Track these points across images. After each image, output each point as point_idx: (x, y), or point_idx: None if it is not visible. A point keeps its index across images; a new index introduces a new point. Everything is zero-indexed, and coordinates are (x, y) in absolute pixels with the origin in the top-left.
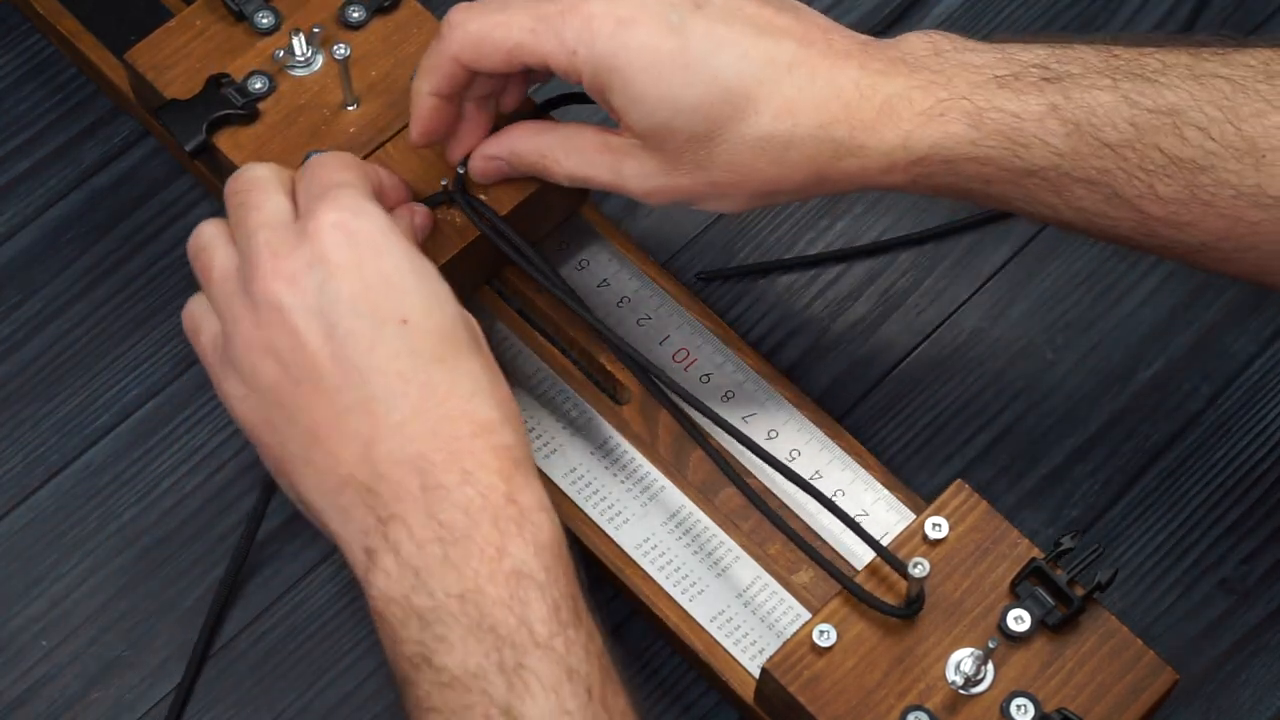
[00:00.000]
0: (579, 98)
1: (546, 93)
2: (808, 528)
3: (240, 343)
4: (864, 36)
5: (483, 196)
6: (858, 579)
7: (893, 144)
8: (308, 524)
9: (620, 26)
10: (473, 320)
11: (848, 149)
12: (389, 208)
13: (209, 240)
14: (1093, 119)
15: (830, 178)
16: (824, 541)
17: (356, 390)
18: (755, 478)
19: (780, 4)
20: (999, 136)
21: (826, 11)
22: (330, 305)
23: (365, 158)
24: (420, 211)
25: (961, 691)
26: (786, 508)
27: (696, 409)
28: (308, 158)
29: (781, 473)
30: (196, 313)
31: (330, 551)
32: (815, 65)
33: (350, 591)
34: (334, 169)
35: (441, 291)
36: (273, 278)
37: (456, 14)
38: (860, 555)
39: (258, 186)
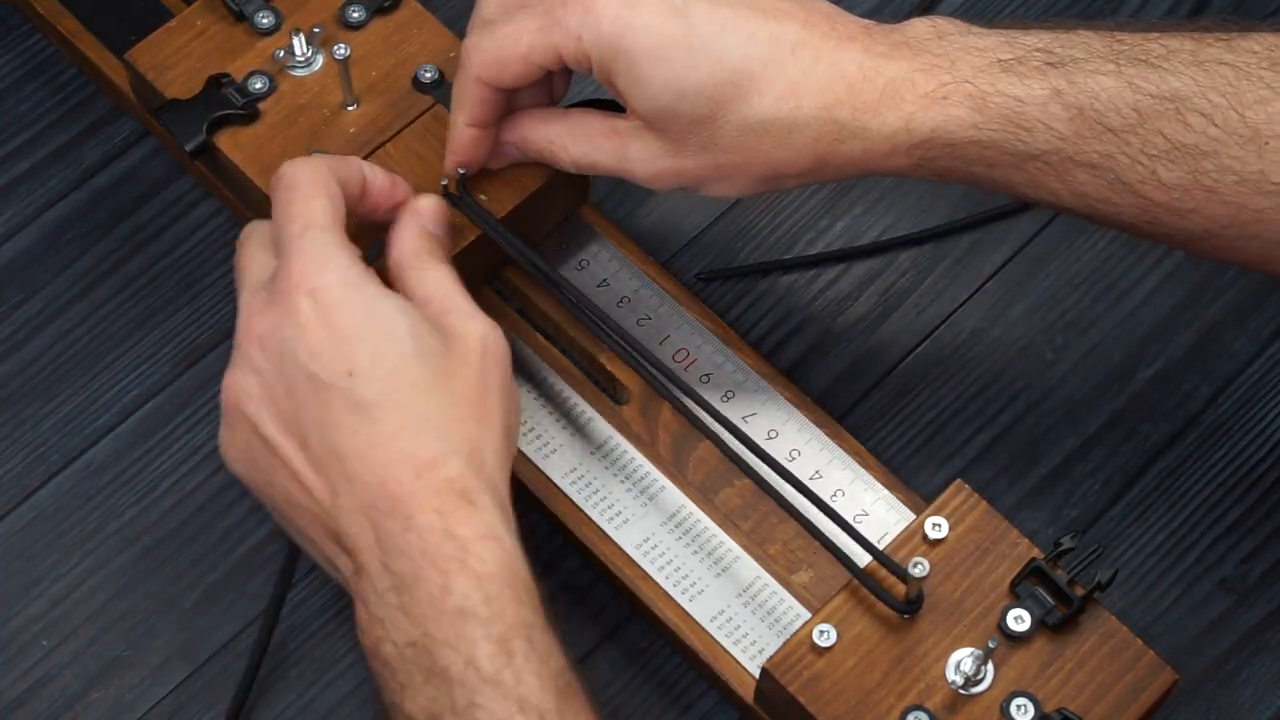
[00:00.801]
0: (601, 105)
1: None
2: (811, 525)
3: (229, 397)
4: (867, 21)
5: (482, 197)
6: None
7: (895, 126)
8: None
9: (624, 9)
10: (462, 337)
11: (850, 131)
12: (378, 208)
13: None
14: (1096, 104)
15: (833, 161)
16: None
17: (318, 446)
18: (755, 473)
19: None
20: (1002, 120)
21: None
22: (290, 366)
23: (365, 158)
24: (427, 210)
25: (961, 691)
26: (789, 505)
27: (698, 404)
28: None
29: (782, 476)
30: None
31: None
32: (819, 47)
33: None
34: (303, 198)
35: (396, 326)
36: (247, 339)
37: (470, 39)
38: (860, 555)
39: (247, 243)
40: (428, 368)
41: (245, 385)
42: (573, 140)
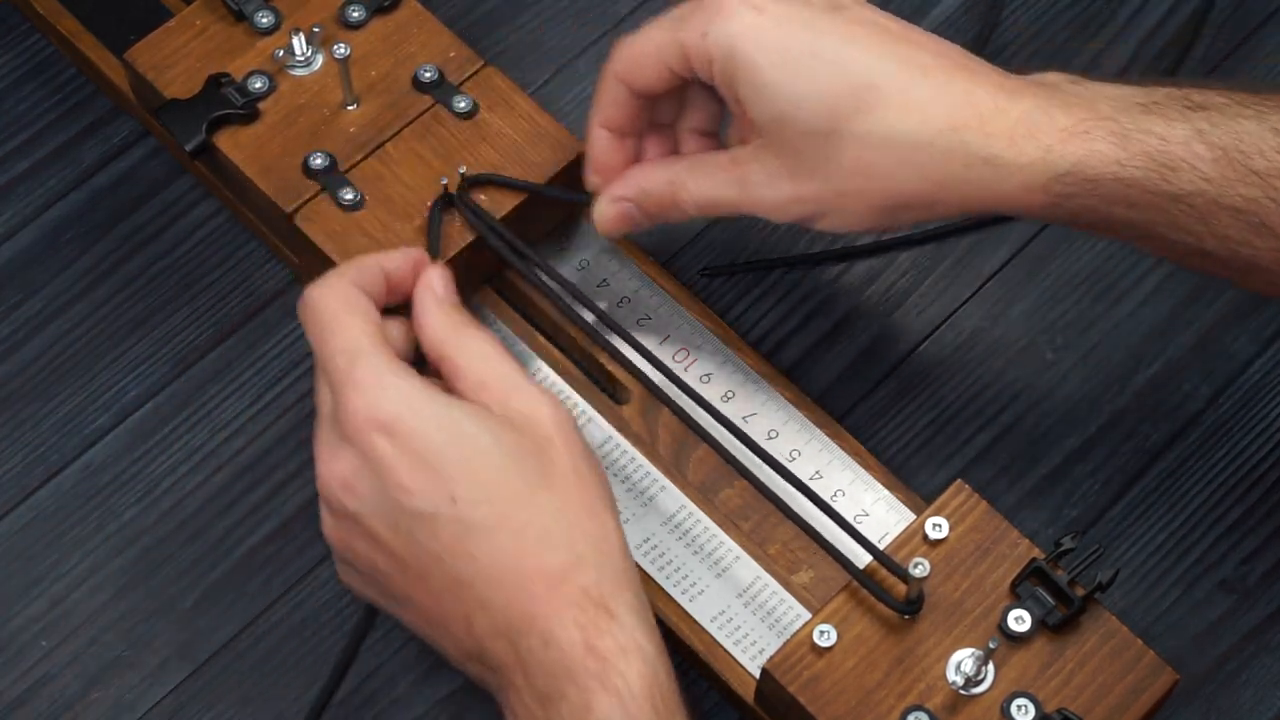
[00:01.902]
0: None
1: None
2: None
3: (334, 540)
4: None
5: (482, 198)
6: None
7: (1032, 158)
8: (308, 524)
9: (752, 11)
10: (537, 423)
11: (980, 157)
12: (406, 292)
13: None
14: (1240, 145)
15: (958, 190)
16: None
17: (439, 575)
18: (756, 478)
19: (918, 28)
20: (1145, 158)
21: None
22: (388, 505)
23: (365, 158)
24: (439, 284)
25: (962, 692)
26: (788, 506)
27: (698, 404)
28: (308, 159)
29: (783, 475)
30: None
31: (330, 551)
32: (951, 73)
33: (349, 593)
34: (337, 326)
35: (485, 445)
36: (331, 482)
37: (617, 41)
38: (860, 555)
39: (321, 376)
40: (524, 473)
41: (345, 530)
42: (693, 177)
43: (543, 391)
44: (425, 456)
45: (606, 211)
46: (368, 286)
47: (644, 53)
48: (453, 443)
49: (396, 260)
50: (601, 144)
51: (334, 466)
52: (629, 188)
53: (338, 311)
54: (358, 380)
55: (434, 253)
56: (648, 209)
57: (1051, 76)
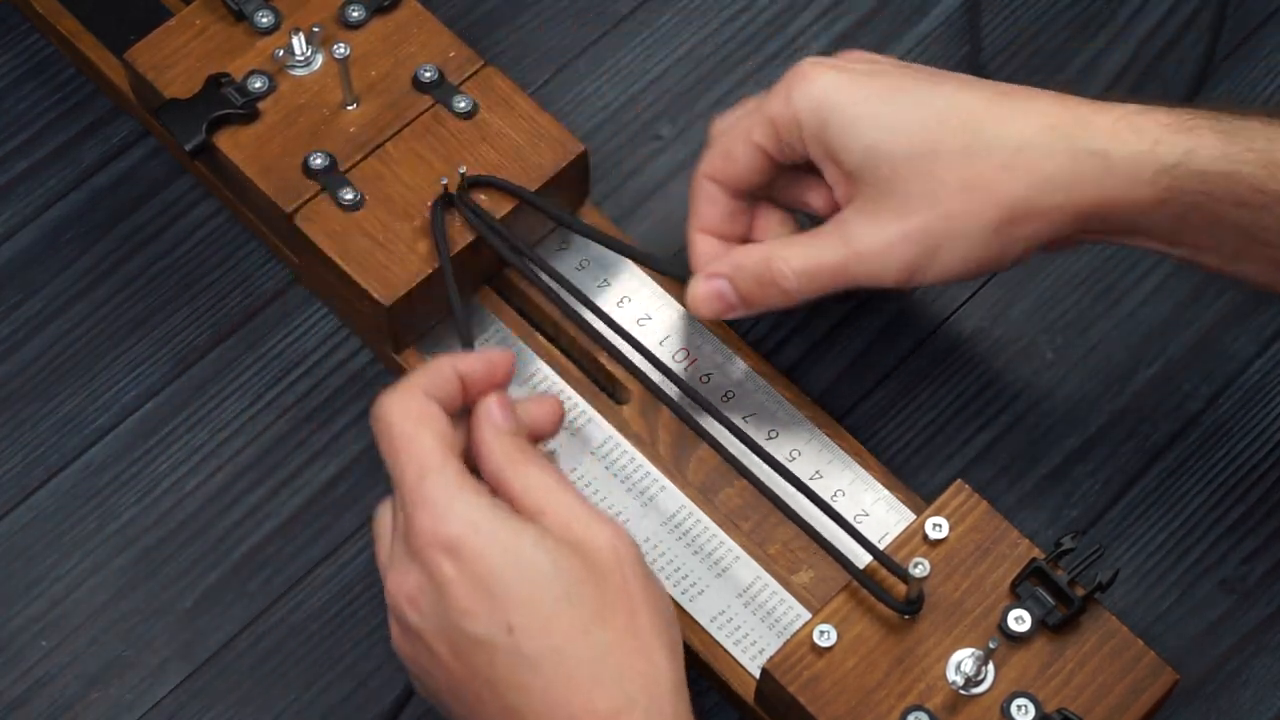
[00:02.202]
0: None
1: None
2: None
3: (402, 653)
4: None
5: (482, 198)
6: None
7: (1138, 150)
8: (308, 524)
9: (832, 71)
10: (596, 551)
11: (1087, 151)
12: (478, 392)
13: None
14: None
15: (1069, 189)
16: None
17: (493, 702)
18: (755, 477)
19: None
20: (1253, 154)
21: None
22: (448, 626)
23: (365, 158)
24: (498, 413)
25: (962, 692)
26: (788, 506)
27: (698, 403)
28: (308, 159)
29: (783, 475)
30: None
31: (330, 551)
32: (1034, 93)
33: (350, 592)
34: (407, 441)
35: (542, 565)
36: (398, 597)
37: (706, 140)
38: (861, 556)
39: (382, 515)
40: (583, 607)
41: (412, 643)
42: (791, 245)
43: (605, 521)
44: (486, 581)
45: (699, 290)
46: (440, 393)
47: (732, 139)
48: (513, 566)
49: (471, 363)
50: (702, 249)
51: (401, 582)
52: (723, 264)
53: (407, 425)
54: (425, 497)
55: (441, 252)
56: (743, 286)
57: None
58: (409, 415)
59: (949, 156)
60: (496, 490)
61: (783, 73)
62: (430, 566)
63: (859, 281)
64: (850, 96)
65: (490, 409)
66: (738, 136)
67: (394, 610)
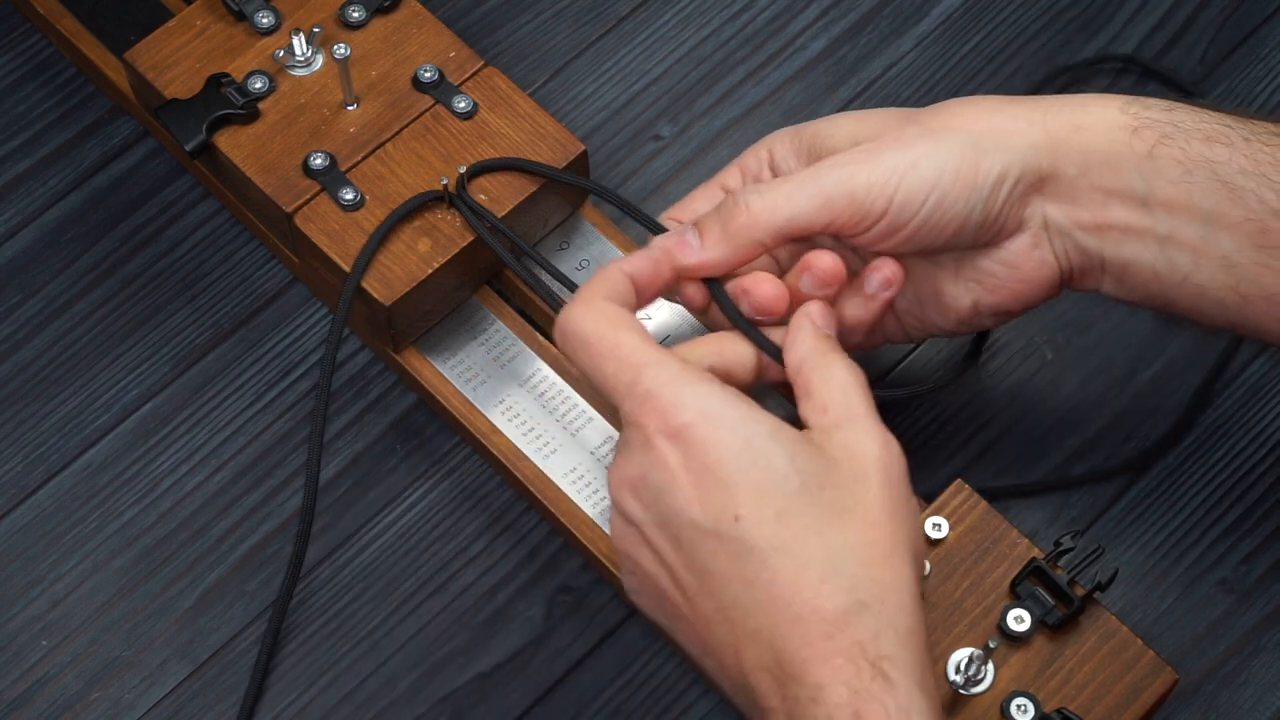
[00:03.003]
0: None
1: None
2: None
3: (619, 547)
4: None
5: (482, 197)
6: None
7: (1116, 104)
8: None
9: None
10: (858, 458)
11: (1064, 100)
12: (654, 292)
13: None
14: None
15: (1047, 118)
16: None
17: (713, 598)
18: None
19: None
20: (1217, 110)
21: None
22: (671, 516)
23: (365, 158)
24: (819, 315)
25: (962, 691)
26: None
27: None
28: (308, 159)
29: None
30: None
31: (330, 551)
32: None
33: (350, 591)
34: (609, 350)
35: (776, 458)
36: (618, 486)
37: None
38: None
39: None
40: (820, 504)
41: (629, 537)
42: (761, 185)
43: (880, 432)
44: (712, 470)
45: (665, 237)
46: (620, 298)
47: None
48: (744, 456)
49: (636, 263)
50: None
51: (624, 471)
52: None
53: (605, 331)
54: (649, 391)
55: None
56: (709, 228)
57: None
58: (603, 321)
59: (932, 111)
60: (795, 379)
61: (783, 73)
62: (655, 453)
63: (839, 212)
64: (825, 118)
65: (811, 310)
66: (702, 186)
67: (615, 502)
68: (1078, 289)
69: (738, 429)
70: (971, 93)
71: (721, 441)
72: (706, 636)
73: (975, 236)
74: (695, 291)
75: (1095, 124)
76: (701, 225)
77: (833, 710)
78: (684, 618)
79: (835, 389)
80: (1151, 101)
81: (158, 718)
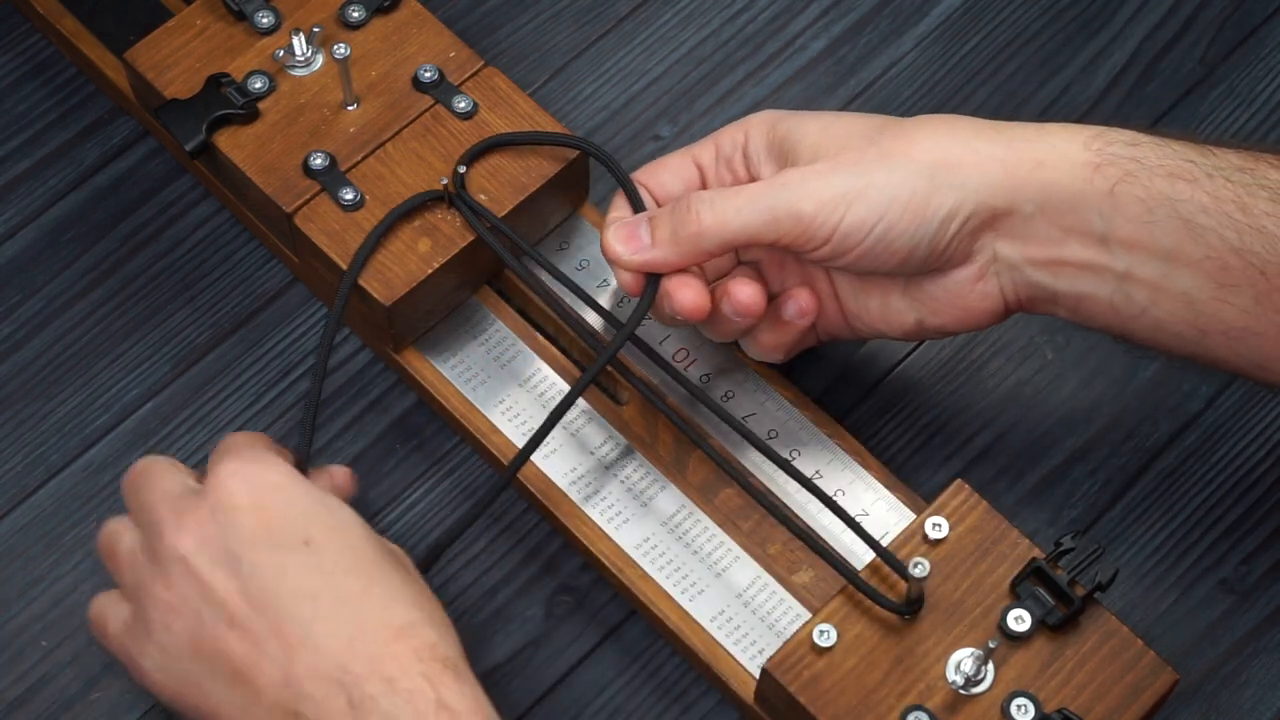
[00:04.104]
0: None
1: None
2: (808, 528)
3: (153, 610)
4: None
5: (481, 197)
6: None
7: (1080, 139)
8: None
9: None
10: (398, 550)
11: (1029, 133)
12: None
13: (112, 531)
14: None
15: (1007, 154)
16: (825, 541)
17: (268, 617)
18: (755, 478)
19: None
20: (1182, 142)
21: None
22: (234, 544)
23: (365, 157)
24: (339, 473)
25: (962, 692)
26: (787, 508)
27: (701, 401)
28: (308, 159)
29: (783, 468)
30: (101, 606)
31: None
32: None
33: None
34: (240, 440)
35: (348, 519)
36: (177, 533)
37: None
38: (861, 555)
39: (153, 468)
40: (383, 549)
41: (151, 580)
42: (714, 191)
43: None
44: (288, 507)
45: (616, 227)
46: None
47: (672, 155)
48: (320, 503)
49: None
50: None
51: (186, 515)
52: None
53: (244, 437)
54: (240, 453)
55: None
56: (660, 225)
57: None
58: (255, 438)
59: (897, 126)
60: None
61: (783, 73)
62: (225, 494)
63: (785, 231)
64: (802, 115)
65: (327, 474)
66: (677, 154)
67: (170, 549)
68: (1032, 313)
69: (316, 491)
70: (972, 92)
71: (296, 490)
72: (251, 662)
73: (923, 264)
74: (633, 282)
75: (1057, 161)
76: (654, 223)
77: (414, 698)
78: (222, 653)
79: None
80: (1115, 135)
81: (158, 718)
